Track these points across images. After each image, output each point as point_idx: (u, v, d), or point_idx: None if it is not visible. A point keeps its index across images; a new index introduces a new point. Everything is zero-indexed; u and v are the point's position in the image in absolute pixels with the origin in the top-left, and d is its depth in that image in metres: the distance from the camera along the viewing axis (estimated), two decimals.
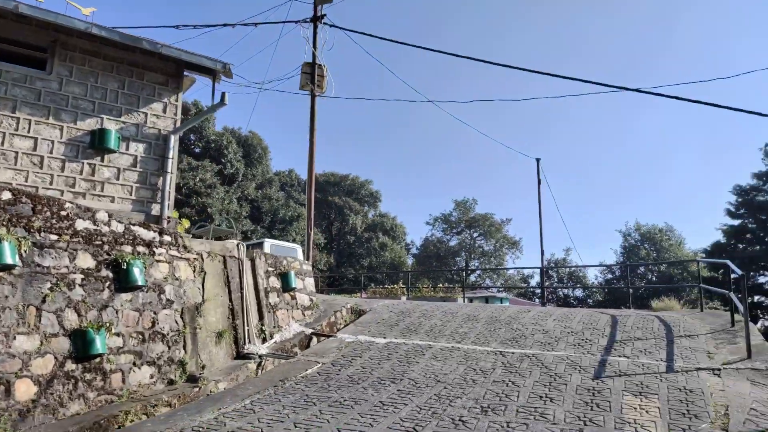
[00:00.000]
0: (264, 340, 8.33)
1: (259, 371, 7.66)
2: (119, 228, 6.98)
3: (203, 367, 7.32)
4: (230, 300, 7.99)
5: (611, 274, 45.63)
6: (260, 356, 7.79)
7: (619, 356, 7.64)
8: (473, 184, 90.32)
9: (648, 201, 79.98)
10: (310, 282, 10.10)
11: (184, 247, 7.61)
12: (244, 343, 7.94)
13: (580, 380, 6.52)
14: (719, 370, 6.92)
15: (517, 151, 74.01)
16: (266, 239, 19.67)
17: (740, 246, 29.38)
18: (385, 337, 8.85)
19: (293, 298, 9.35)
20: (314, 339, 8.91)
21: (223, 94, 8.84)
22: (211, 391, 6.88)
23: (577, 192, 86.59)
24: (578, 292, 47.72)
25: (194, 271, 7.63)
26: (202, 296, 7.62)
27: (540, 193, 16.39)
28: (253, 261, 8.65)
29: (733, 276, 9.31)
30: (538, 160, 16.86)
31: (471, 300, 22.28)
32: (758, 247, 28.14)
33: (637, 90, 8.58)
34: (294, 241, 45.27)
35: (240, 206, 42.74)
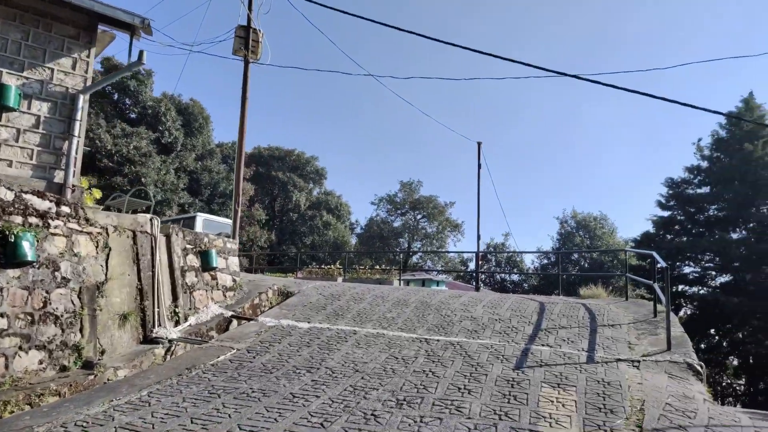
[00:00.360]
0: (177, 323, 7.76)
1: (168, 357, 7.12)
2: (8, 196, 6.21)
3: (103, 353, 6.71)
4: (139, 279, 7.36)
5: (547, 259, 46.97)
6: (170, 341, 7.24)
7: (543, 345, 7.57)
8: (421, 167, 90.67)
9: (587, 190, 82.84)
10: (234, 261, 9.54)
11: (86, 219, 6.90)
12: (154, 327, 7.36)
13: (501, 371, 6.37)
14: (638, 362, 6.95)
15: (459, 134, 74.36)
16: (199, 213, 18.80)
17: (668, 237, 30.68)
18: (309, 322, 8.46)
19: (214, 278, 8.79)
20: (234, 322, 8.41)
21: (141, 53, 8.06)
22: (108, 379, 6.31)
23: (520, 178, 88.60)
24: (515, 277, 48.96)
25: (97, 247, 6.95)
26: (106, 275, 6.96)
27: (480, 177, 16.32)
28: (168, 237, 8.02)
29: (658, 266, 9.46)
30: (479, 143, 16.77)
31: (408, 283, 22.27)
32: (685, 239, 29.47)
33: (575, 76, 8.42)
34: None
35: (178, 177, 40.98)
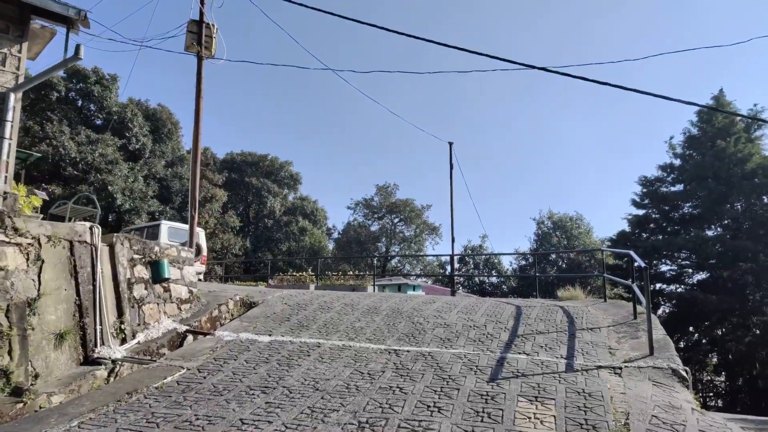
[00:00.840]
0: (124, 341, 7.09)
1: (111, 379, 6.46)
2: None
3: (36, 377, 6.02)
4: (78, 294, 6.69)
5: (525, 260, 46.91)
6: (113, 361, 6.57)
7: (519, 353, 7.10)
8: (397, 171, 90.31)
9: (562, 190, 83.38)
10: (190, 271, 8.89)
11: (15, 229, 6.21)
12: (96, 346, 6.68)
13: (474, 383, 5.87)
14: (620, 368, 6.52)
15: (429, 134, 74.14)
16: (163, 221, 18.02)
17: (644, 235, 30.69)
18: (270, 335, 7.86)
19: (166, 290, 8.13)
20: (189, 337, 7.77)
21: (77, 47, 7.40)
22: (40, 407, 5.63)
23: (496, 180, 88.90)
24: (493, 279, 48.77)
25: (28, 260, 6.26)
26: (38, 290, 6.27)
27: (452, 178, 15.89)
28: (112, 247, 7.34)
29: (636, 265, 9.10)
30: (450, 144, 16.34)
31: (384, 288, 21.70)
32: (661, 237, 29.50)
33: (544, 68, 8.02)
34: (206, 223, 42.95)
35: (147, 185, 39.83)
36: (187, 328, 7.82)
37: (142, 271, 7.76)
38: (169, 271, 8.14)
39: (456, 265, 50.49)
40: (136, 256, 7.72)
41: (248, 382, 5.94)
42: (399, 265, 51.71)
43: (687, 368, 6.83)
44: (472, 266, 50.01)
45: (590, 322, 8.94)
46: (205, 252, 18.47)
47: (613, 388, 5.81)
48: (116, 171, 36.55)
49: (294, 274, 18.09)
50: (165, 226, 17.57)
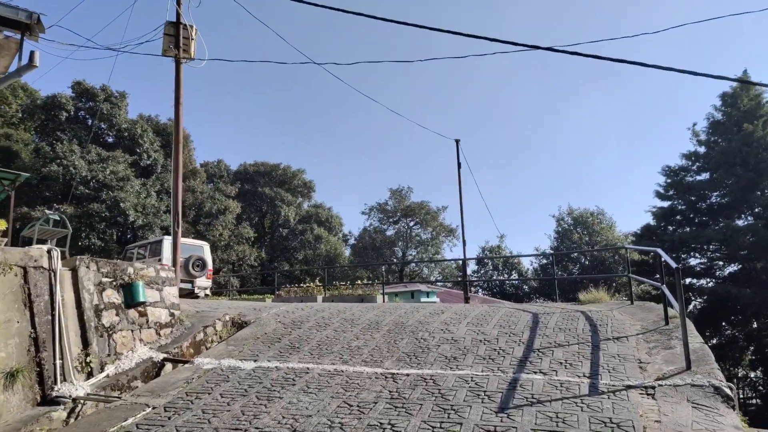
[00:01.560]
0: (90, 375, 6.37)
1: (72, 420, 5.73)
2: None
3: None
4: (33, 326, 5.99)
5: (546, 259, 45.55)
6: (74, 399, 5.85)
7: (535, 373, 6.20)
8: (409, 172, 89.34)
9: (580, 185, 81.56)
10: (171, 292, 8.16)
11: None
12: (55, 383, 5.97)
13: (480, 415, 4.99)
14: (653, 388, 5.58)
15: (434, 132, 73.46)
16: (165, 236, 17.43)
17: (670, 228, 29.33)
18: (256, 360, 7.07)
19: (142, 314, 7.41)
20: (168, 366, 7.03)
21: (32, 54, 6.74)
22: None
23: (509, 177, 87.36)
24: (513, 280, 47.46)
25: None
26: None
27: (460, 176, 15.00)
28: (75, 271, 6.64)
29: (663, 260, 8.12)
30: (457, 141, 15.43)
31: (396, 296, 20.81)
32: (688, 229, 28.12)
33: (550, 48, 7.13)
34: (220, 235, 42.58)
35: (160, 200, 39.60)
36: (165, 355, 7.08)
37: (113, 296, 7.04)
38: (145, 294, 7.42)
39: (474, 267, 49.47)
40: (105, 280, 7.01)
41: (217, 423, 5.14)
42: (417, 268, 50.66)
43: (731, 384, 5.86)
44: (491, 267, 48.77)
45: (616, 330, 7.98)
46: (210, 266, 17.84)
47: (645, 415, 4.89)
48: (128, 187, 36.36)
49: (302, 285, 17.33)
50: (167, 241, 16.99)
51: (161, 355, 7.05)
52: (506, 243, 49.73)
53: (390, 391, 5.80)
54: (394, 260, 46.75)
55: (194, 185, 43.28)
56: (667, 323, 8.07)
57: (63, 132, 36.74)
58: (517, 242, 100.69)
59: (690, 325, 7.25)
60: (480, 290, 43.93)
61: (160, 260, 16.57)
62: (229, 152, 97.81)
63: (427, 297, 21.90)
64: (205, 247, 17.78)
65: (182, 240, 18.07)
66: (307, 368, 6.69)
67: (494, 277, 47.21)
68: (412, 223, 48.73)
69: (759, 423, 14.35)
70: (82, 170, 34.57)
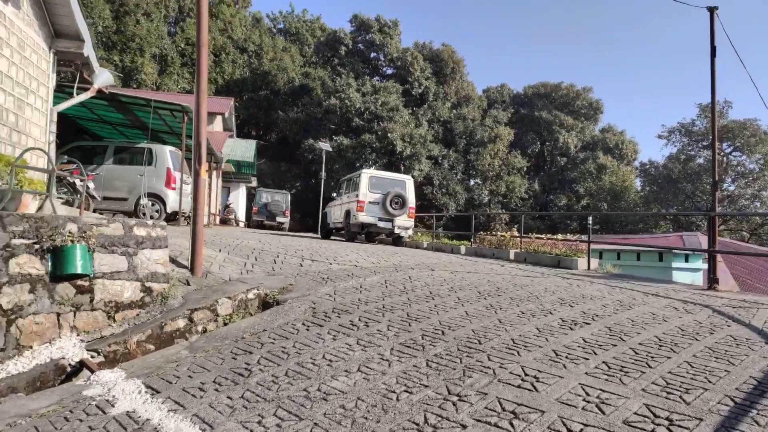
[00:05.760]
0: None
1: None
2: None
3: None
4: None
5: None
6: None
7: None
8: (727, 83, 69.21)
9: None
10: (150, 256, 6.13)
11: None
12: None
13: None
14: None
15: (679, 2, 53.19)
16: (363, 170, 16.29)
17: None
18: (177, 409, 4.81)
19: (84, 291, 5.59)
20: (86, 372, 4.92)
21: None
22: None
23: None
24: None
25: None
26: None
27: (714, 58, 9.13)
28: None
29: None
30: (711, 9, 9.25)
31: (618, 257, 15.02)
32: None
33: None
34: (489, 165, 40.49)
35: (430, 128, 39.53)
36: (88, 356, 5.27)
37: (28, 264, 5.43)
38: (89, 263, 5.58)
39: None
40: (17, 242, 5.40)
41: None
42: (748, 203, 38.99)
43: None
44: None
45: None
46: (412, 203, 16.08)
47: None
48: (397, 118, 37.12)
49: (496, 233, 14.07)
50: (366, 175, 15.89)
51: (81, 355, 5.24)
52: None
53: None
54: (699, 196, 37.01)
55: (465, 113, 41.84)
56: None
57: (343, 66, 39.29)
58: None
59: None
60: None
61: (357, 196, 15.55)
62: (508, 76, 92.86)
63: (686, 262, 15.44)
64: (408, 181, 16.02)
65: (382, 174, 16.69)
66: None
67: None
68: (729, 149, 37.57)
69: None
70: (356, 102, 36.45)
